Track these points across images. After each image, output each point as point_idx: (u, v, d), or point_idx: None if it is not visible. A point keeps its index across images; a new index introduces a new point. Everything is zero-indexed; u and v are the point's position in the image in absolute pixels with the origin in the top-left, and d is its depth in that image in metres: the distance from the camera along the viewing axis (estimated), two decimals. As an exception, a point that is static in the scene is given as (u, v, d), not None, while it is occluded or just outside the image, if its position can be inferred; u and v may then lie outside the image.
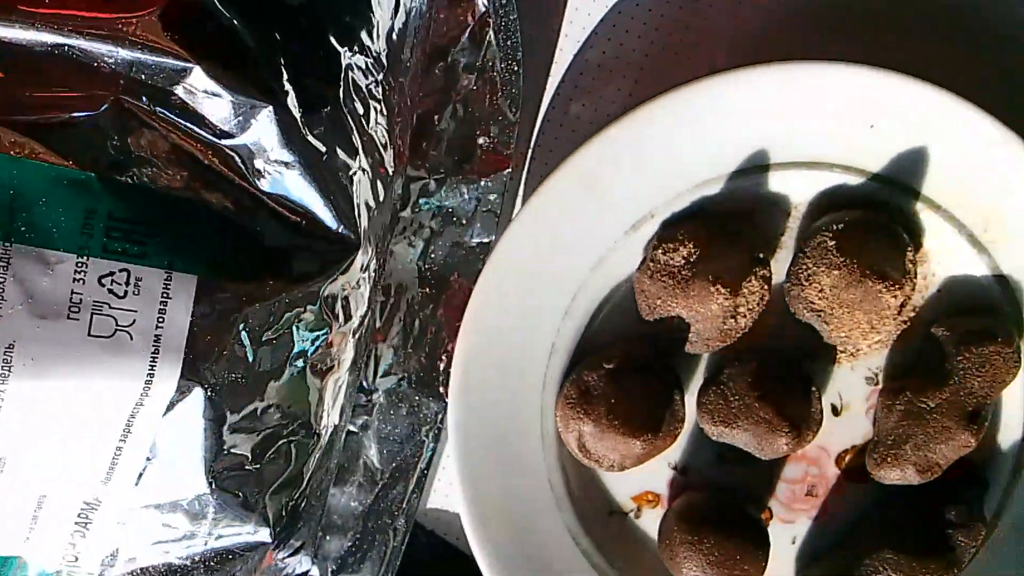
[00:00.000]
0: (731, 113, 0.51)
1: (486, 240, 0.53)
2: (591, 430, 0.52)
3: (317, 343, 0.45)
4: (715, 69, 0.51)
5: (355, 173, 0.44)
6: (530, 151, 0.57)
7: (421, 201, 0.53)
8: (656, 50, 0.57)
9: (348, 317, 0.46)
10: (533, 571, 0.54)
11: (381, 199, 0.46)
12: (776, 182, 0.54)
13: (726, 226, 0.53)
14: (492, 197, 0.52)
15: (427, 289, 0.53)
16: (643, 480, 0.57)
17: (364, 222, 0.44)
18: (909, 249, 0.52)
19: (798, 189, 0.54)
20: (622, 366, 0.53)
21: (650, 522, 0.57)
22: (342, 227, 0.44)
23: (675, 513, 0.54)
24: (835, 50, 0.53)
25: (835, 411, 0.57)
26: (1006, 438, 0.55)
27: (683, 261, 0.52)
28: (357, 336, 0.47)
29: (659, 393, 0.53)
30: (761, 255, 0.53)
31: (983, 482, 0.55)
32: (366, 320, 0.48)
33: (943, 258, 0.54)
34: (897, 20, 0.56)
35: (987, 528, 0.52)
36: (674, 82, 0.52)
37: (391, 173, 0.47)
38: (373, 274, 0.47)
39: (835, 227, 0.52)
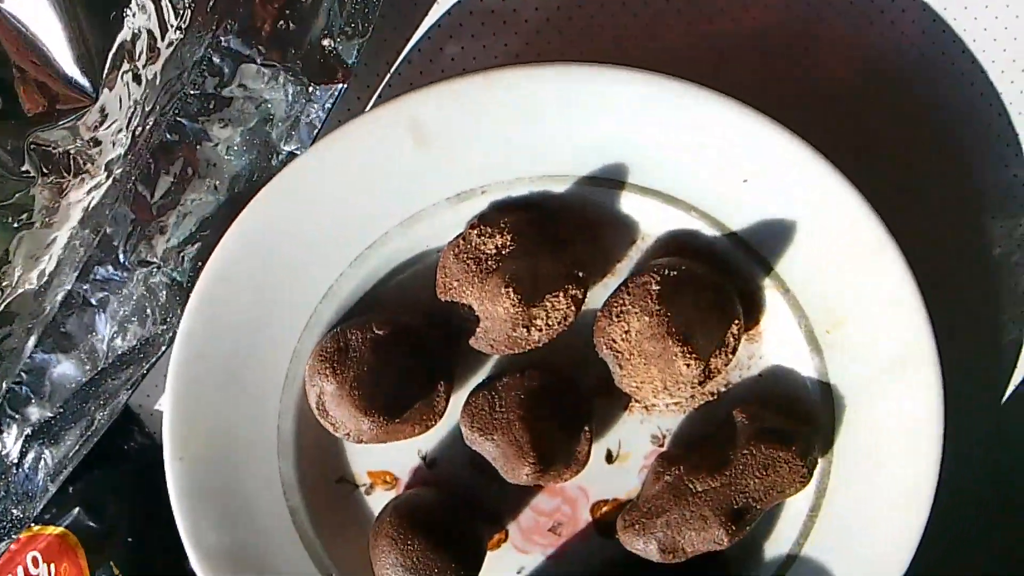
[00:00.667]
0: (596, 112, 0.44)
1: (296, 151, 0.46)
2: (333, 391, 0.46)
3: (17, 192, 0.38)
4: (607, 60, 0.44)
5: (129, 16, 0.36)
6: (387, 77, 0.50)
7: (242, 85, 0.46)
8: (561, 17, 0.50)
9: (69, 173, 0.39)
10: (229, 511, 0.49)
11: (162, 58, 0.39)
12: (629, 204, 0.48)
13: (558, 232, 0.47)
14: (315, 108, 0.45)
15: (216, 182, 0.46)
16: (387, 458, 0.52)
17: (120, 76, 0.37)
18: (736, 323, 0.47)
19: (650, 220, 0.48)
20: (395, 337, 0.47)
21: (378, 504, 0.52)
22: (80, 72, 0.36)
23: (396, 503, 0.50)
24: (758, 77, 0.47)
25: (609, 458, 0.52)
26: (772, 550, 0.51)
27: (494, 251, 0.46)
28: (92, 199, 0.41)
29: (421, 378, 0.47)
30: (581, 274, 0.47)
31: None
32: (107, 185, 0.41)
33: (775, 345, 0.50)
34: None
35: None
36: (565, 57, 0.45)
37: (185, 29, 0.39)
38: (132, 137, 0.40)
39: (666, 271, 0.46)
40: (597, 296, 0.50)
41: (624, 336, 0.47)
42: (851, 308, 0.47)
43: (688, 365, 0.44)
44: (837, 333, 0.48)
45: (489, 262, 0.46)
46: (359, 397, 0.45)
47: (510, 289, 0.44)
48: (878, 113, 0.52)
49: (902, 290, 0.45)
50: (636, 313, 0.46)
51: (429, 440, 0.52)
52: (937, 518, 0.48)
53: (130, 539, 0.53)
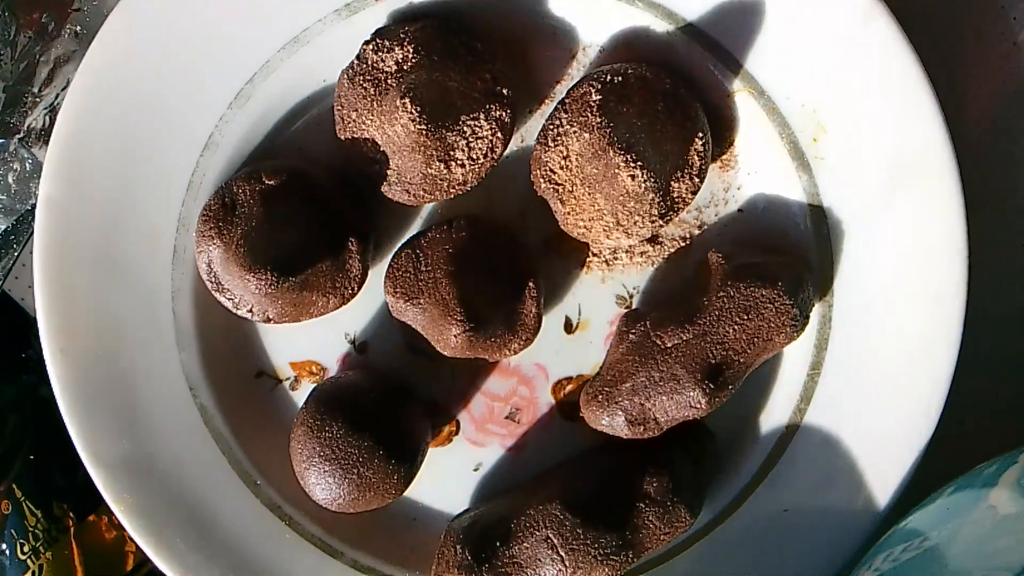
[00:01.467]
0: None
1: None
2: (220, 255, 0.39)
3: None
4: None
5: None
6: None
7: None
8: None
9: None
10: (126, 414, 0.42)
11: None
12: (561, 4, 0.40)
13: (474, 44, 0.39)
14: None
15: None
16: (310, 346, 0.44)
17: None
18: (700, 137, 0.38)
19: (590, 24, 0.40)
20: (288, 186, 0.39)
21: (302, 395, 0.44)
22: None
23: (317, 387, 0.42)
24: None
25: (568, 327, 0.44)
26: (767, 421, 0.43)
27: (394, 67, 0.38)
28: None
29: (325, 235, 0.39)
30: (506, 91, 0.39)
31: (708, 460, 0.43)
32: None
33: (754, 168, 0.41)
34: None
35: (691, 517, 0.41)
36: None
37: None
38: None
39: (608, 78, 0.38)
40: (534, 128, 0.41)
41: (564, 163, 0.38)
42: (841, 103, 0.38)
43: (633, 176, 0.35)
44: (826, 141, 0.39)
45: (389, 80, 0.38)
46: (244, 254, 0.37)
47: (406, 99, 0.36)
48: None
49: (901, 70, 0.36)
50: (575, 132, 0.38)
51: (357, 320, 0.44)
52: (963, 375, 0.40)
53: (32, 456, 0.46)
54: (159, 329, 0.42)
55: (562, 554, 0.40)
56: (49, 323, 0.41)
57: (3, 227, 0.42)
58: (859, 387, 0.41)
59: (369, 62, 0.38)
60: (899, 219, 0.39)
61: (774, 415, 0.42)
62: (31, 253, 0.43)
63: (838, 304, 0.41)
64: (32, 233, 0.42)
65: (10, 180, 0.41)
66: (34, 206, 0.42)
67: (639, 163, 0.35)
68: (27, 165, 0.41)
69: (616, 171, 0.36)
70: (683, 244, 0.42)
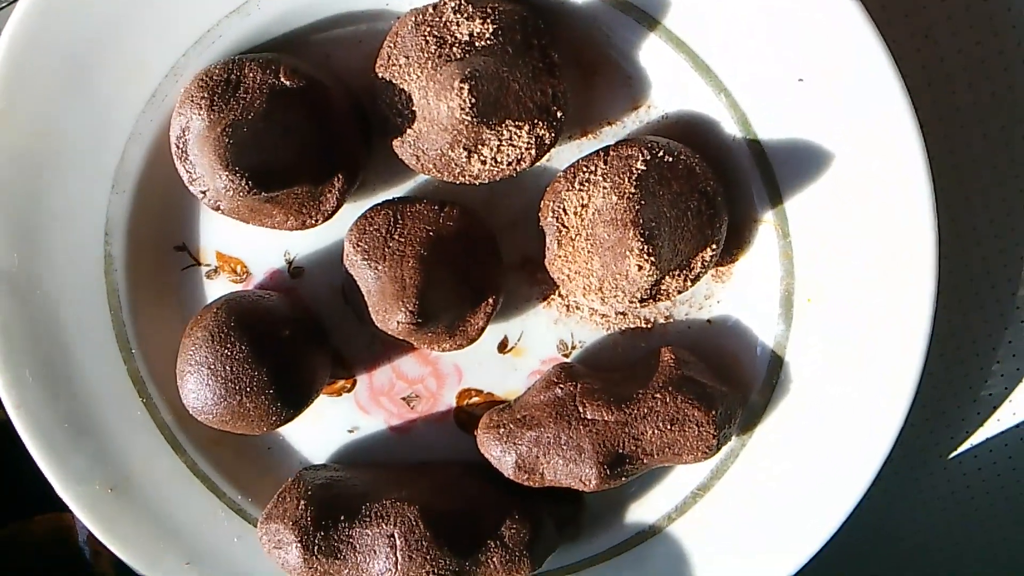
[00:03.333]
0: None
1: None
2: (200, 129, 0.35)
3: None
4: None
5: None
6: None
7: None
8: None
9: None
10: (24, 224, 0.38)
11: None
12: (651, 54, 0.37)
13: (551, 50, 0.36)
14: None
15: None
16: (246, 244, 0.41)
17: None
18: (713, 248, 0.37)
19: (666, 86, 0.38)
20: (302, 95, 0.36)
21: (214, 293, 0.42)
22: None
23: (232, 296, 0.40)
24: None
25: (503, 346, 0.43)
26: (635, 514, 0.43)
27: (467, 36, 0.35)
28: None
29: (315, 160, 0.36)
30: (560, 114, 0.37)
31: (570, 529, 0.43)
32: None
33: (742, 293, 0.41)
34: None
35: (530, 573, 0.41)
36: None
37: None
38: None
39: (660, 152, 0.36)
40: (563, 156, 0.40)
41: (579, 210, 0.37)
42: (851, 286, 0.38)
43: (640, 267, 0.34)
44: (819, 306, 0.39)
45: (455, 48, 0.35)
46: (227, 147, 0.34)
47: (466, 87, 0.33)
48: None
49: (918, 299, 0.37)
50: (605, 188, 0.36)
51: (302, 242, 0.41)
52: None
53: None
54: (100, 162, 0.38)
55: (398, 557, 0.40)
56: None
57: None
58: (733, 524, 0.42)
59: (443, 18, 0.35)
60: (844, 404, 0.39)
61: (644, 513, 0.43)
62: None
63: (751, 446, 0.41)
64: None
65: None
66: None
67: (652, 258, 0.34)
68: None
69: (627, 252, 0.34)
70: (644, 326, 0.42)
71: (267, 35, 0.37)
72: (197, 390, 0.38)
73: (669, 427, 0.39)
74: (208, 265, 0.42)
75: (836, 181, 0.37)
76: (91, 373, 0.41)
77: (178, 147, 0.36)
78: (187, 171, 0.37)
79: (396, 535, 0.40)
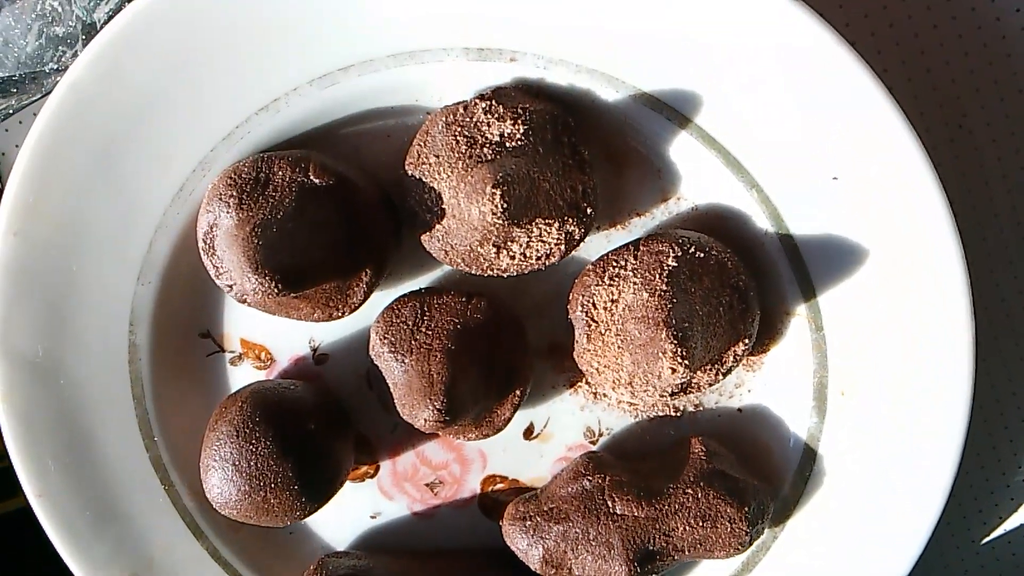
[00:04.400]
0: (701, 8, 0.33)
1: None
2: (229, 227, 0.35)
3: None
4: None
5: None
6: None
7: None
8: None
9: None
10: (52, 314, 0.37)
11: None
12: (681, 149, 0.37)
13: (580, 148, 0.36)
14: None
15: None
16: (270, 332, 0.41)
17: None
18: (745, 342, 0.37)
19: (697, 180, 0.38)
20: (331, 193, 0.35)
21: (239, 381, 0.42)
22: None
23: (258, 387, 0.39)
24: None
25: (528, 433, 0.43)
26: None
27: (498, 137, 0.35)
28: None
29: (344, 256, 0.36)
30: (590, 211, 0.37)
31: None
32: None
33: (773, 384, 0.40)
34: None
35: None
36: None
37: None
38: None
39: (691, 248, 0.36)
40: (593, 246, 0.39)
41: (609, 306, 0.37)
42: (886, 380, 0.38)
43: (674, 370, 0.34)
44: (853, 400, 0.39)
45: (486, 149, 0.35)
46: (256, 248, 0.34)
47: (498, 192, 0.33)
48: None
49: (955, 401, 0.36)
50: (635, 284, 0.36)
51: (327, 331, 0.41)
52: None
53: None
54: (126, 249, 0.38)
55: (422, 652, 0.39)
56: (16, 200, 0.36)
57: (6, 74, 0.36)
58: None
59: (474, 119, 0.35)
60: (879, 502, 0.39)
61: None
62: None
63: (782, 540, 0.41)
64: (32, 101, 0.37)
65: (36, 31, 0.36)
66: (54, 70, 0.37)
67: (686, 360, 0.34)
68: (70, 28, 0.36)
69: (660, 354, 0.34)
70: (673, 414, 0.41)
71: (296, 131, 0.37)
72: (221, 486, 0.37)
73: (701, 523, 0.38)
74: (232, 352, 0.42)
75: (870, 276, 0.37)
76: (113, 461, 0.41)
77: (205, 243, 0.36)
78: (214, 266, 0.37)
79: (420, 629, 0.39)
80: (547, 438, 0.42)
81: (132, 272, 0.38)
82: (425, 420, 0.36)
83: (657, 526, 0.39)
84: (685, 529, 0.38)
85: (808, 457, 0.40)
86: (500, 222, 0.33)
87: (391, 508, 0.43)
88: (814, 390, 0.39)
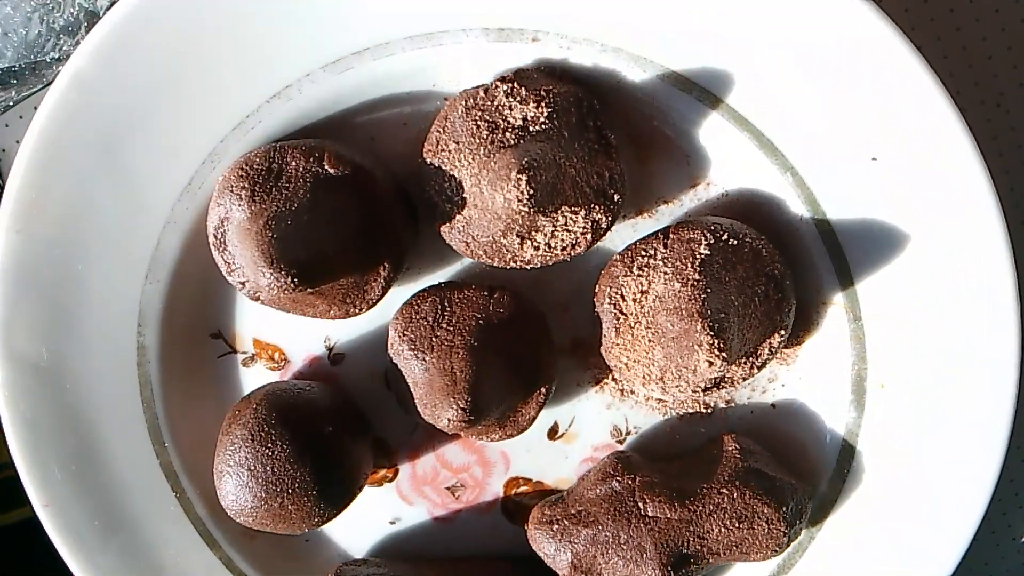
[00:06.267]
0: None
1: None
2: (241, 221, 0.33)
3: None
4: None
5: None
6: None
7: None
8: None
9: None
10: (56, 315, 0.36)
11: None
12: (712, 131, 0.36)
13: (606, 131, 0.35)
14: None
15: None
16: (284, 331, 0.40)
17: None
18: (781, 333, 0.35)
19: (728, 163, 0.36)
20: (347, 183, 0.34)
21: (252, 382, 0.40)
22: None
23: (273, 389, 0.37)
24: None
25: (552, 433, 0.41)
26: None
27: (520, 121, 0.33)
28: None
29: (361, 249, 0.34)
30: (617, 197, 0.35)
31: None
32: None
33: (809, 377, 0.38)
34: None
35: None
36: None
37: None
38: None
39: (724, 236, 0.34)
40: (619, 236, 0.38)
41: (638, 297, 0.35)
42: (929, 372, 0.36)
43: (711, 363, 0.32)
44: (894, 392, 0.37)
45: (508, 134, 0.33)
46: (271, 242, 0.32)
47: (523, 177, 0.31)
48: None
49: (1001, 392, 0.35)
50: (666, 273, 0.34)
51: (343, 329, 0.40)
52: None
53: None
54: (133, 247, 0.37)
55: (446, 663, 0.37)
56: (19, 197, 0.34)
57: (8, 64, 0.35)
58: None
59: (495, 102, 0.33)
60: (922, 499, 0.37)
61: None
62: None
63: (819, 540, 0.39)
64: (32, 92, 0.35)
65: (36, 19, 0.34)
66: (55, 60, 0.35)
67: (724, 353, 0.32)
68: (72, 16, 0.34)
69: (696, 347, 0.32)
70: (704, 411, 0.39)
71: (308, 119, 0.36)
72: (236, 492, 0.36)
73: (737, 525, 0.37)
74: (244, 352, 0.40)
75: (911, 262, 0.35)
76: (122, 468, 0.39)
77: (216, 238, 0.35)
78: (226, 262, 0.35)
79: (444, 639, 0.37)
80: (572, 438, 0.41)
81: (140, 270, 0.37)
82: (448, 420, 0.35)
83: (691, 528, 0.37)
84: (721, 531, 0.37)
85: (846, 454, 0.38)
86: (526, 210, 0.32)
87: (411, 513, 0.42)
88: (852, 383, 0.37)
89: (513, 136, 0.33)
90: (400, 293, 0.38)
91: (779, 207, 0.36)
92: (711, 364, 0.32)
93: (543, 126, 0.33)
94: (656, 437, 0.40)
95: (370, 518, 0.41)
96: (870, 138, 0.33)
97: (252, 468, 0.35)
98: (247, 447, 0.35)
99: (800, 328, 0.37)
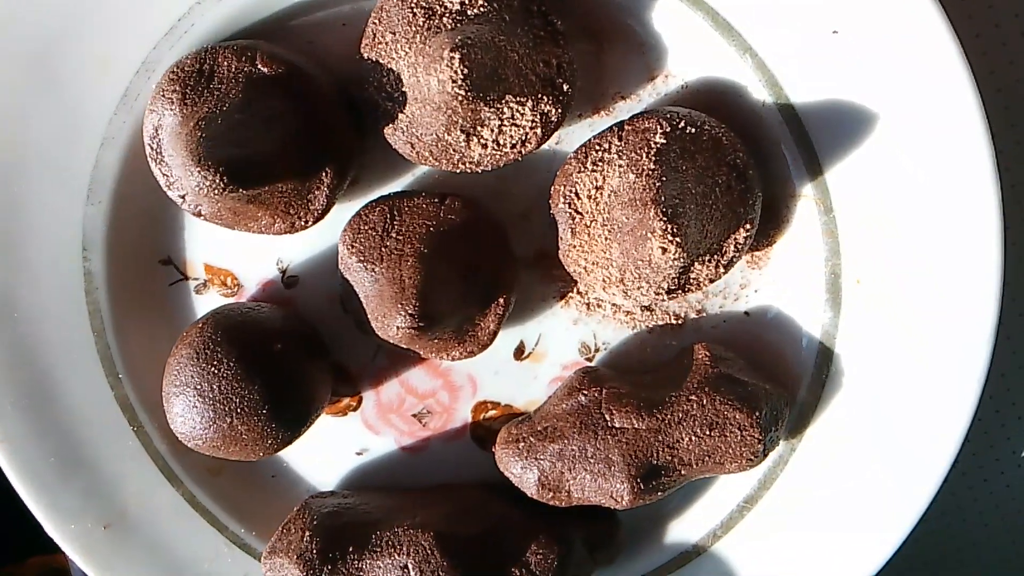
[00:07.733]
0: None
1: None
2: (173, 125, 0.32)
3: None
4: None
5: None
6: None
7: None
8: None
9: None
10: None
11: None
12: (666, 17, 0.34)
13: (551, 17, 0.33)
14: None
15: None
16: (236, 255, 0.38)
17: None
18: (747, 227, 0.33)
19: (685, 51, 0.34)
20: (281, 82, 0.32)
21: (204, 308, 0.39)
22: None
23: (221, 309, 0.36)
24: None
25: (519, 352, 0.39)
26: (675, 533, 0.39)
27: (458, 6, 0.32)
28: None
29: (300, 153, 0.33)
30: (567, 87, 0.33)
31: (605, 551, 0.39)
32: None
33: (782, 279, 0.37)
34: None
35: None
36: None
37: None
38: None
39: (681, 124, 0.33)
40: (574, 137, 0.36)
41: (593, 194, 0.33)
42: (906, 263, 0.34)
43: (664, 249, 0.30)
44: (871, 288, 0.35)
45: (445, 18, 0.31)
46: (199, 141, 0.31)
47: (456, 55, 0.30)
48: None
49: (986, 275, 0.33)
50: (620, 167, 0.32)
51: (295, 249, 0.38)
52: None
53: None
54: (73, 170, 0.35)
55: (412, 589, 0.36)
56: None
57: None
58: (786, 539, 0.38)
59: (433, -17, 0.32)
60: (908, 398, 0.35)
61: (686, 531, 0.39)
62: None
63: (801, 451, 0.37)
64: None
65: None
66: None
67: (677, 238, 0.30)
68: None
69: (649, 234, 0.31)
70: (674, 322, 0.38)
71: (243, 22, 0.34)
72: (184, 414, 0.34)
73: (708, 432, 0.35)
74: (196, 279, 0.39)
75: (882, 145, 0.33)
76: (77, 401, 0.38)
77: (152, 148, 0.33)
78: (163, 174, 0.34)
79: (410, 565, 0.36)
80: (540, 357, 0.39)
81: (80, 192, 0.36)
82: (398, 328, 0.33)
83: (660, 438, 0.35)
84: (691, 439, 0.35)
85: (824, 357, 0.36)
86: (462, 93, 0.30)
87: (378, 443, 0.40)
88: (827, 281, 0.35)
89: (450, 21, 0.31)
90: (351, 210, 0.36)
91: (741, 95, 0.34)
92: (664, 250, 0.30)
93: (482, 9, 0.31)
94: (627, 352, 0.38)
95: (336, 450, 0.40)
96: (829, 9, 0.31)
97: (199, 387, 0.34)
98: (193, 366, 0.34)
99: (770, 226, 0.35)
